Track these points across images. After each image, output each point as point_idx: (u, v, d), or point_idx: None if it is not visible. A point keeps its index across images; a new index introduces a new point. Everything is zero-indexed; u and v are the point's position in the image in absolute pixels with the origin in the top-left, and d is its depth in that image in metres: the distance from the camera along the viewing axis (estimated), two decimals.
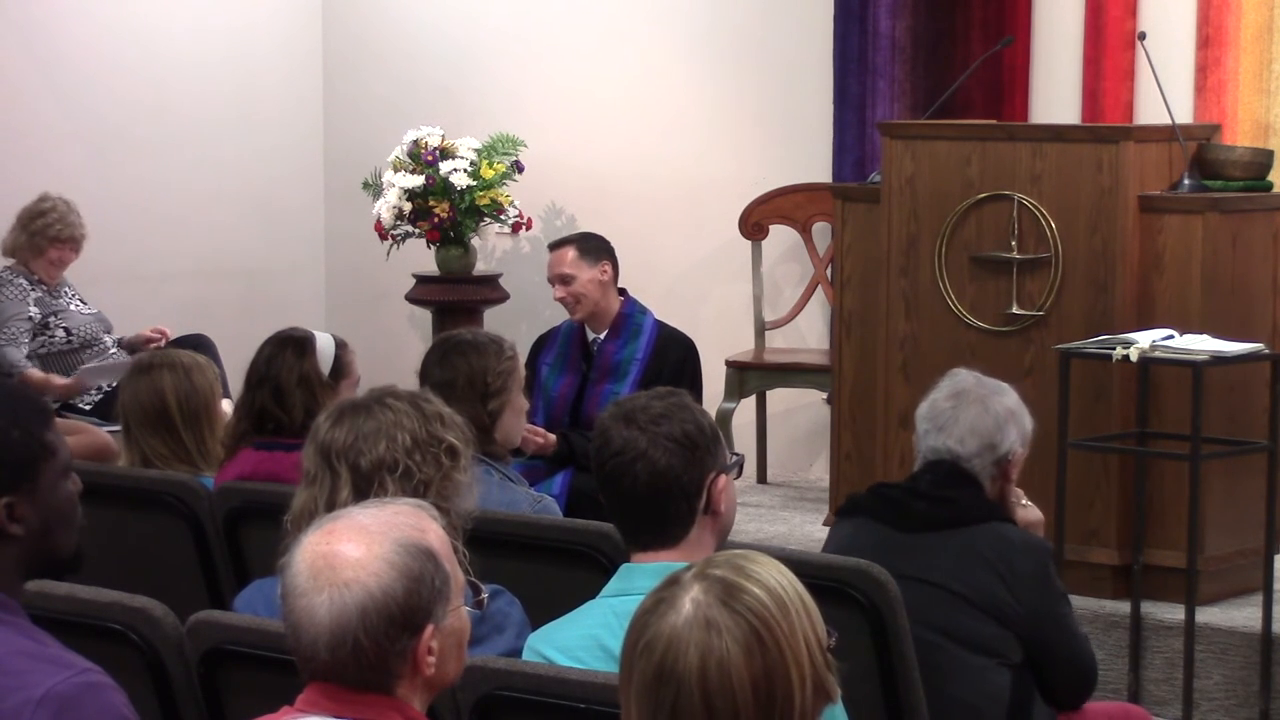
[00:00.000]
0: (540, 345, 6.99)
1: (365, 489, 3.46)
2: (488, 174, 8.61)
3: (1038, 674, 4.16)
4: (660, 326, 6.87)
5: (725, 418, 7.72)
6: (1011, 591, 4.09)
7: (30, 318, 7.65)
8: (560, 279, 6.81)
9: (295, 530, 3.48)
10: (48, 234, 7.70)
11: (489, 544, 3.59)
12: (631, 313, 6.85)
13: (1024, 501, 4.37)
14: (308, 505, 3.51)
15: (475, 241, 8.81)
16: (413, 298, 8.90)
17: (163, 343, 7.66)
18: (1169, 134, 6.39)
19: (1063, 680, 4.20)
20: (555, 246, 6.94)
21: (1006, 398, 4.30)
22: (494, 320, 8.73)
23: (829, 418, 7.29)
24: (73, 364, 7.75)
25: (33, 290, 7.71)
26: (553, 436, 6.51)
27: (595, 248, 6.84)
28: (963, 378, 4.33)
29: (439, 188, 8.59)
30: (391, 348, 9.13)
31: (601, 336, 6.83)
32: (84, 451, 6.29)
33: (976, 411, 4.23)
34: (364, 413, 3.55)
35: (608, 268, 6.81)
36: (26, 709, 2.55)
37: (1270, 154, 6.52)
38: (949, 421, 4.23)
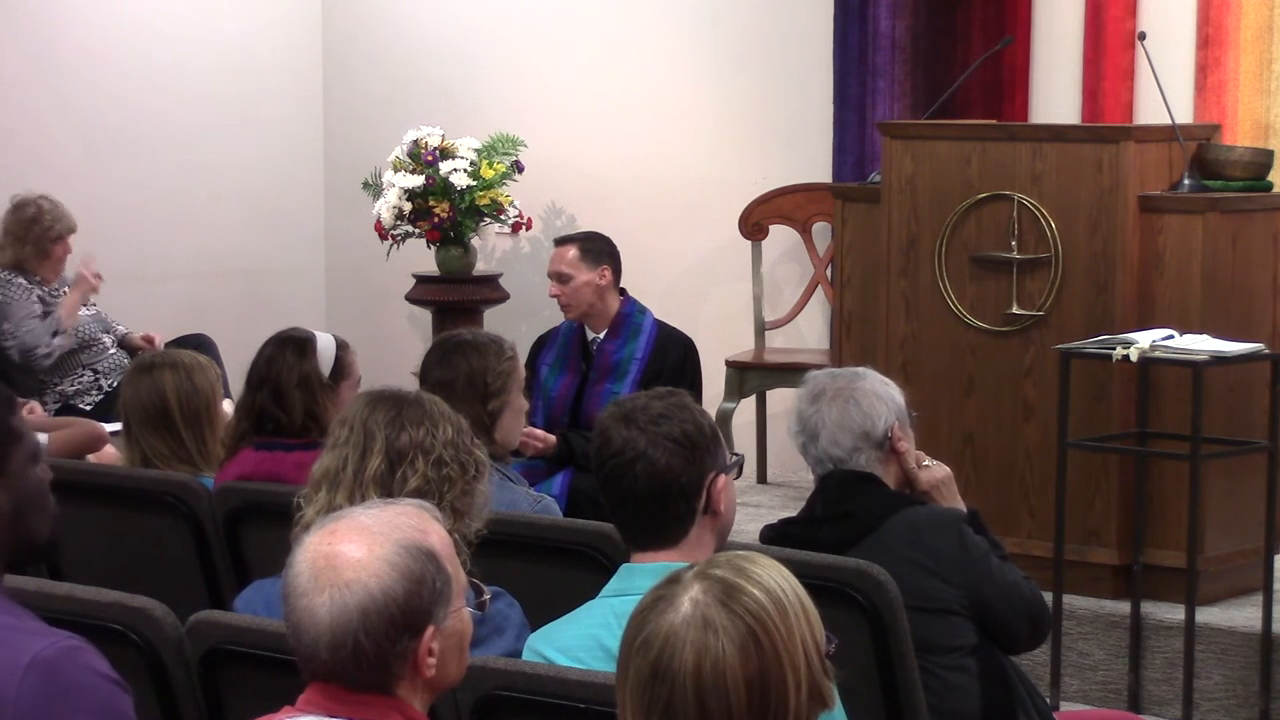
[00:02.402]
0: (540, 345, 6.98)
1: (397, 463, 3.49)
2: (488, 174, 8.61)
3: (992, 633, 4.13)
4: (660, 326, 6.85)
5: (725, 418, 7.72)
6: (938, 575, 4.03)
7: (38, 316, 7.65)
8: (557, 276, 6.80)
9: (314, 491, 3.50)
10: (50, 235, 7.70)
11: (488, 544, 3.59)
12: (631, 312, 6.84)
13: (925, 463, 4.27)
14: (334, 465, 3.52)
15: (475, 241, 8.81)
16: (413, 298, 8.90)
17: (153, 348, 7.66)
18: (1169, 134, 6.39)
19: (1015, 627, 4.14)
20: (560, 242, 6.93)
21: (865, 382, 4.22)
22: (494, 320, 8.73)
23: None
24: (72, 364, 7.76)
25: (34, 290, 7.71)
26: (552, 438, 6.51)
27: (598, 250, 6.81)
28: (817, 378, 4.26)
29: (439, 188, 8.59)
30: (391, 348, 9.13)
31: (601, 336, 6.82)
32: (77, 442, 6.27)
33: (839, 407, 4.16)
34: (411, 399, 3.61)
35: (607, 272, 6.78)
36: (15, 675, 2.59)
37: (1270, 154, 6.52)
38: (817, 426, 4.17)
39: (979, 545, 4.10)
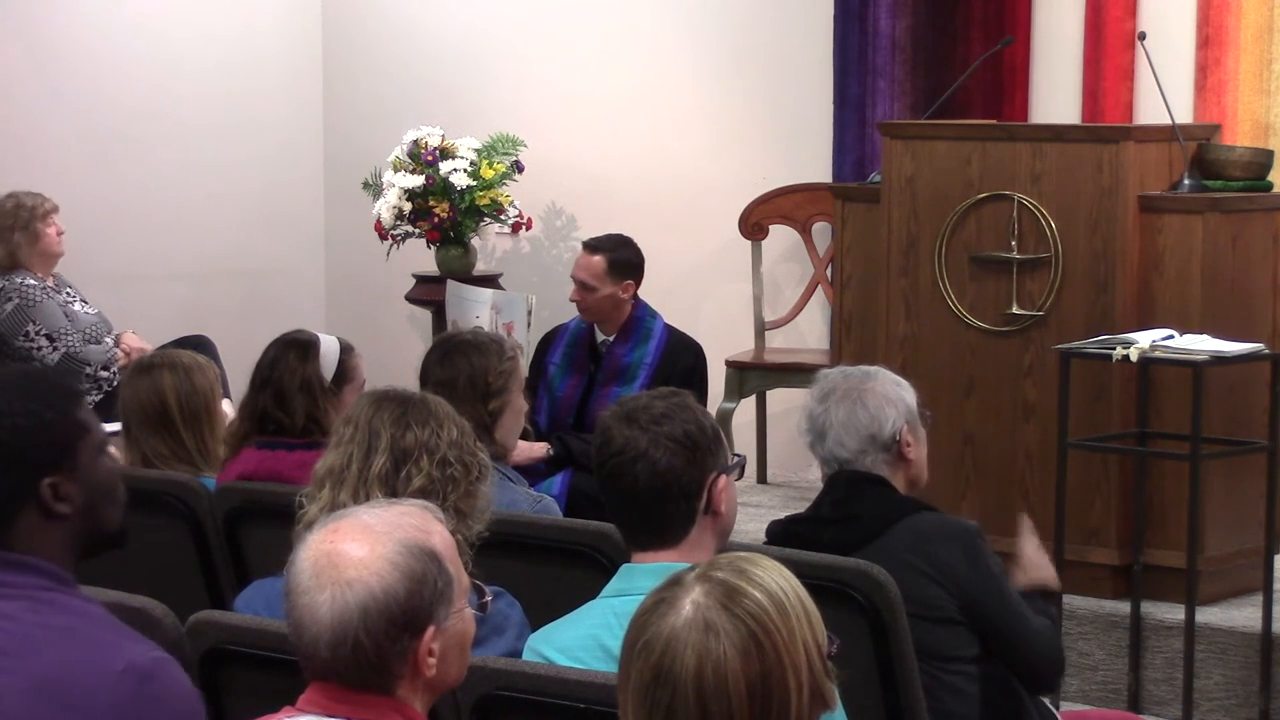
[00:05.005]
0: (547, 342, 6.98)
1: (401, 462, 3.50)
2: (488, 174, 8.61)
3: (1003, 660, 4.11)
4: (670, 331, 6.84)
5: (725, 418, 7.71)
6: (940, 584, 4.01)
7: (66, 318, 7.63)
8: (581, 284, 6.78)
9: (317, 489, 3.51)
10: (37, 214, 7.62)
11: (489, 544, 3.59)
12: (642, 316, 6.83)
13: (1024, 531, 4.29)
14: (338, 463, 3.52)
15: (475, 241, 8.81)
16: (413, 298, 8.90)
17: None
18: (1169, 134, 6.40)
19: (1029, 659, 4.10)
20: (589, 249, 6.88)
21: (876, 383, 4.19)
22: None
23: None
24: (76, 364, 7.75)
25: (43, 285, 7.69)
26: (542, 446, 6.50)
27: (625, 265, 6.78)
28: (829, 377, 4.24)
29: (439, 188, 8.59)
30: (391, 348, 9.13)
31: (611, 339, 6.81)
32: None
33: (847, 408, 4.13)
34: (416, 399, 3.62)
35: (630, 286, 6.78)
36: (110, 678, 2.64)
37: (1270, 154, 6.52)
38: (825, 426, 4.15)
39: (991, 564, 4.06)
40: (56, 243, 7.68)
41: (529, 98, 9.06)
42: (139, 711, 2.63)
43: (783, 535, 4.20)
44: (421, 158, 8.64)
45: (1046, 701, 4.40)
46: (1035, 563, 4.33)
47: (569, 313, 7.08)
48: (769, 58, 8.56)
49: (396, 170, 8.67)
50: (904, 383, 4.24)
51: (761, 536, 5.23)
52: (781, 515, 4.35)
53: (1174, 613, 6.01)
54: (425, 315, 9.05)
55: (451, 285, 8.19)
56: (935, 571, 4.01)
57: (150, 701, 2.64)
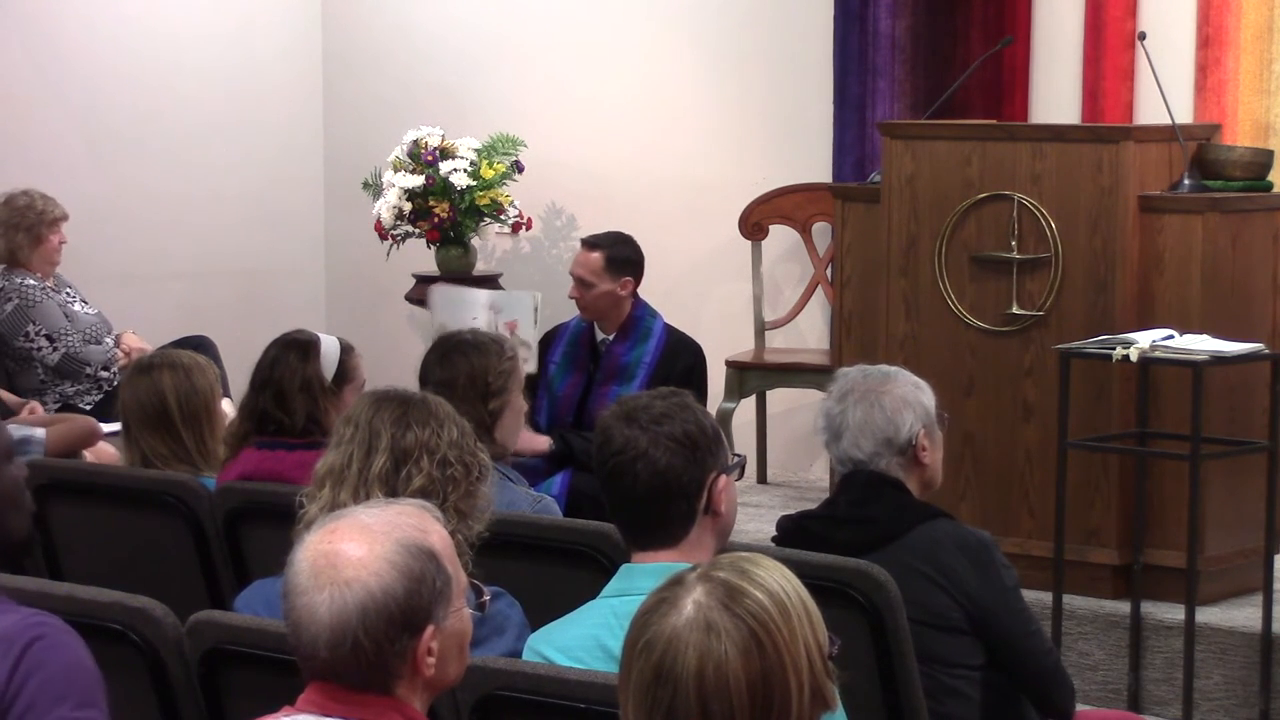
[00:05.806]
0: (547, 342, 6.98)
1: (402, 461, 3.50)
2: (488, 174, 8.61)
3: (1013, 675, 4.09)
4: (669, 331, 6.84)
5: (725, 418, 7.72)
6: (949, 594, 3.99)
7: (65, 318, 7.62)
8: (579, 280, 6.78)
9: (317, 489, 3.51)
10: (45, 220, 7.64)
11: (489, 544, 3.59)
12: (642, 316, 6.83)
13: None
14: (338, 463, 3.52)
15: (475, 241, 8.81)
16: (413, 298, 8.90)
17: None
18: (1169, 134, 6.40)
19: (1041, 677, 4.08)
20: (588, 245, 6.88)
21: (895, 385, 4.16)
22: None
23: None
24: (76, 364, 7.74)
25: (43, 285, 7.68)
26: (545, 438, 6.50)
27: (623, 261, 6.79)
28: (848, 376, 4.22)
29: (439, 188, 8.60)
30: (391, 348, 9.12)
31: (610, 338, 6.81)
32: (72, 437, 6.26)
33: (864, 410, 4.11)
34: (417, 399, 3.62)
35: (629, 283, 6.78)
36: None
37: (1270, 154, 6.52)
38: (841, 426, 4.13)
39: (1003, 576, 4.04)
40: (56, 251, 7.69)
41: (529, 98, 9.06)
42: (16, 677, 2.59)
43: (795, 531, 4.18)
44: (421, 158, 8.64)
45: None
46: None
47: (570, 312, 7.08)
48: (769, 58, 8.56)
49: (396, 170, 8.67)
50: (923, 385, 4.21)
51: (761, 536, 5.22)
52: (781, 516, 4.34)
53: (1174, 613, 6.01)
54: (425, 315, 9.04)
55: (440, 289, 8.14)
56: (945, 581, 4.00)
57: (23, 667, 2.60)
